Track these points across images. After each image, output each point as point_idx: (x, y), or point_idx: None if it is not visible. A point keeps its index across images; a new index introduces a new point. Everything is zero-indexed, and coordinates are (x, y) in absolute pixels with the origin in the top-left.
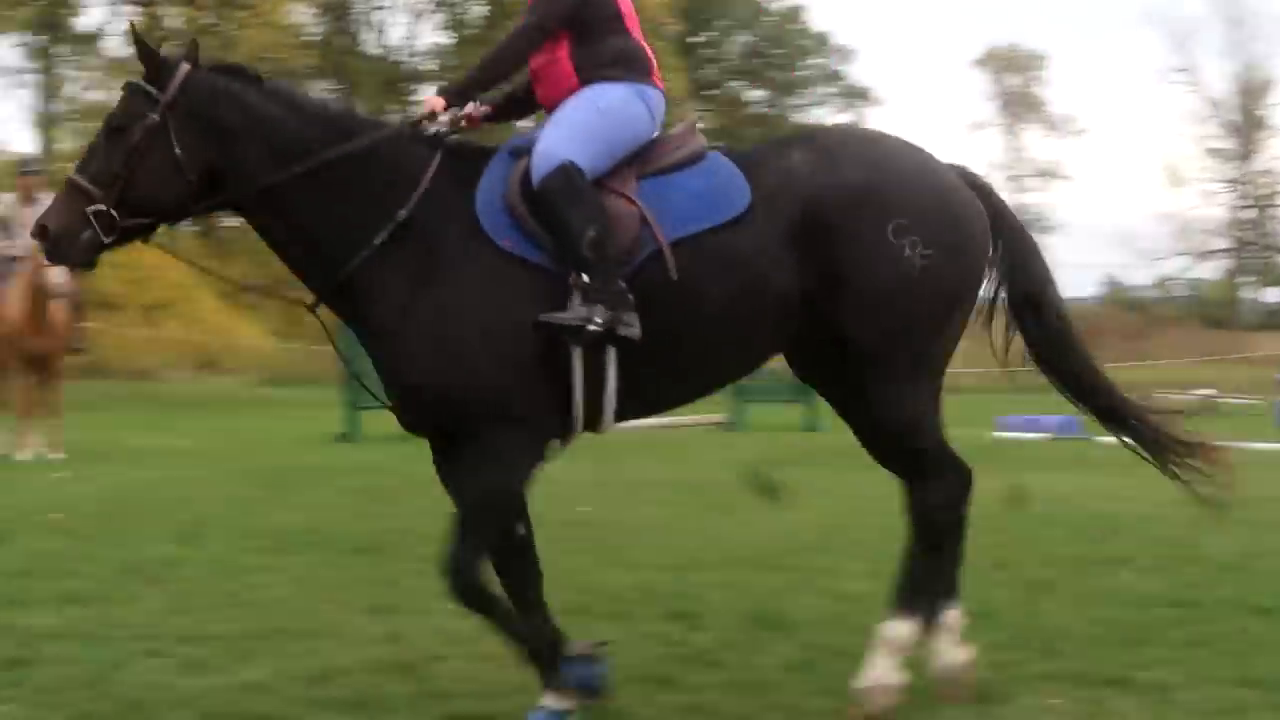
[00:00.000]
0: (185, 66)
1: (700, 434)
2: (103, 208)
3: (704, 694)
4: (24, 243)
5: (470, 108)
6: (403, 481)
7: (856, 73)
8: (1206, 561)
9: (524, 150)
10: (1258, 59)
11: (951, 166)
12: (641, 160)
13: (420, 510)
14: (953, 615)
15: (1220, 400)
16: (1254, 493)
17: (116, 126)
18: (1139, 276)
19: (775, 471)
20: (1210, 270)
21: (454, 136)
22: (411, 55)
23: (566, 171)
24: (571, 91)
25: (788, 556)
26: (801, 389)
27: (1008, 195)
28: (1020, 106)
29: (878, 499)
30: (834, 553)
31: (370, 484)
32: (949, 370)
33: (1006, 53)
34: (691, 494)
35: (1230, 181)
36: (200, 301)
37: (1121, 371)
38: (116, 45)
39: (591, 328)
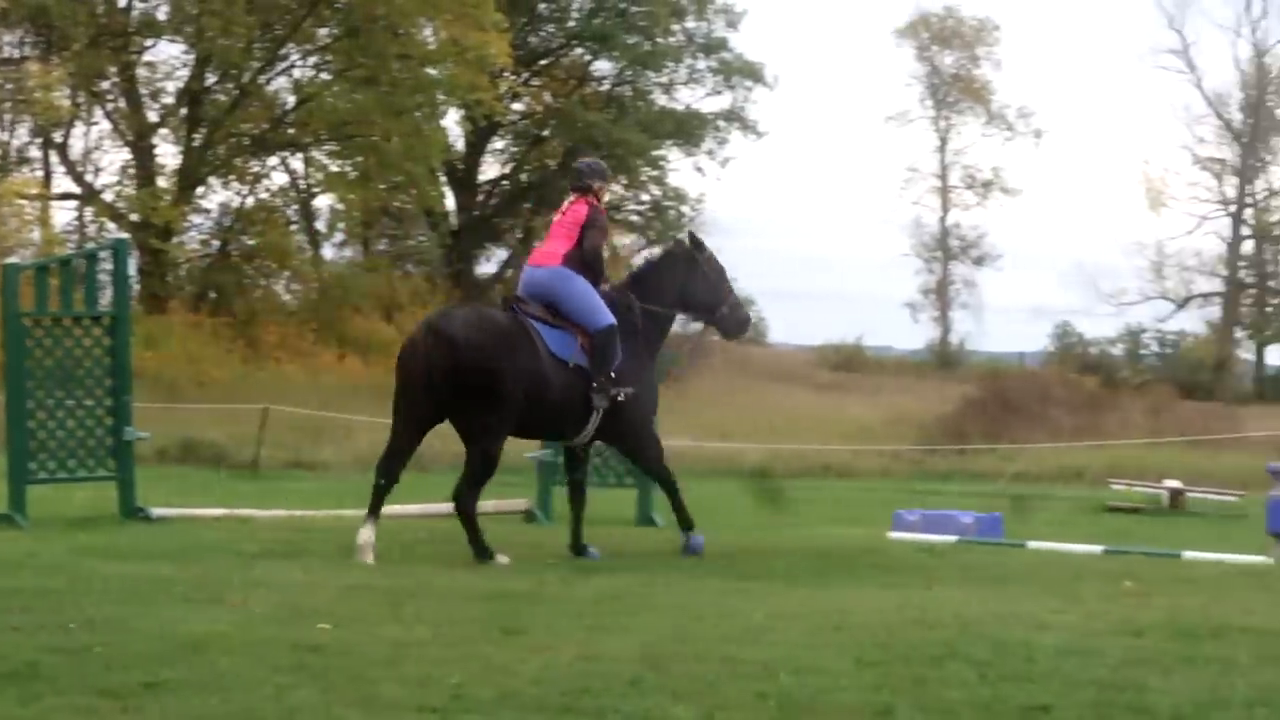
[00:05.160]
0: None
1: (494, 523)
2: None
3: None
4: None
5: None
6: (72, 583)
7: (742, 42)
8: (1150, 713)
9: None
10: (1278, 39)
11: None
12: None
13: (105, 623)
14: None
15: (1191, 494)
16: (1224, 620)
17: None
18: (1101, 327)
19: None
20: (1194, 321)
21: None
22: None
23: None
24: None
25: (587, 697)
26: (633, 469)
27: (935, 211)
28: (957, 94)
29: (719, 616)
30: (654, 693)
31: (35, 586)
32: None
33: (941, 21)
34: (462, 607)
35: (1227, 203)
36: None
37: (1069, 453)
38: None
39: None
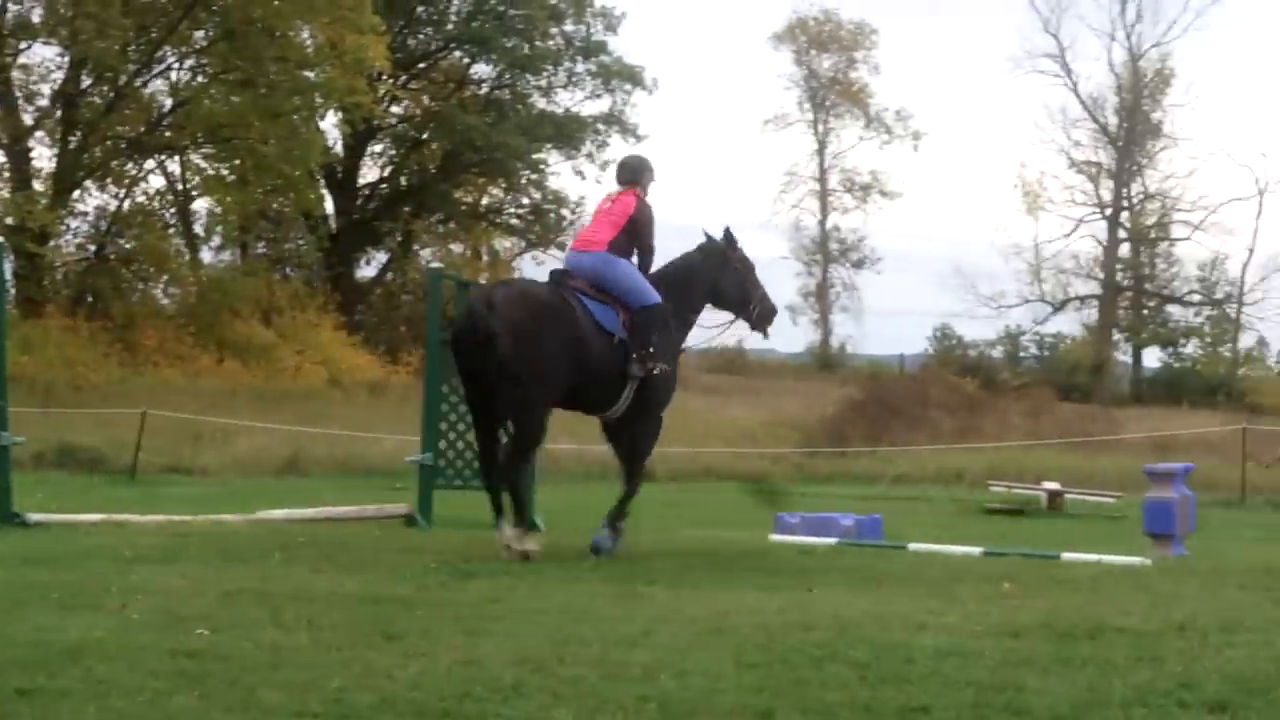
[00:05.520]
0: None
1: (375, 527)
2: None
3: None
4: None
5: None
6: None
7: (622, 45)
8: (1028, 714)
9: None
10: (1153, 43)
11: None
12: None
13: None
14: None
15: (1069, 495)
16: (1101, 621)
17: None
18: (979, 329)
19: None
20: (1072, 323)
21: None
22: None
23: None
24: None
25: (468, 701)
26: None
27: (814, 214)
28: (835, 97)
29: (599, 620)
30: (535, 696)
31: None
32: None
33: (819, 25)
34: (342, 611)
35: (1103, 206)
36: None
37: (949, 455)
38: None
39: None
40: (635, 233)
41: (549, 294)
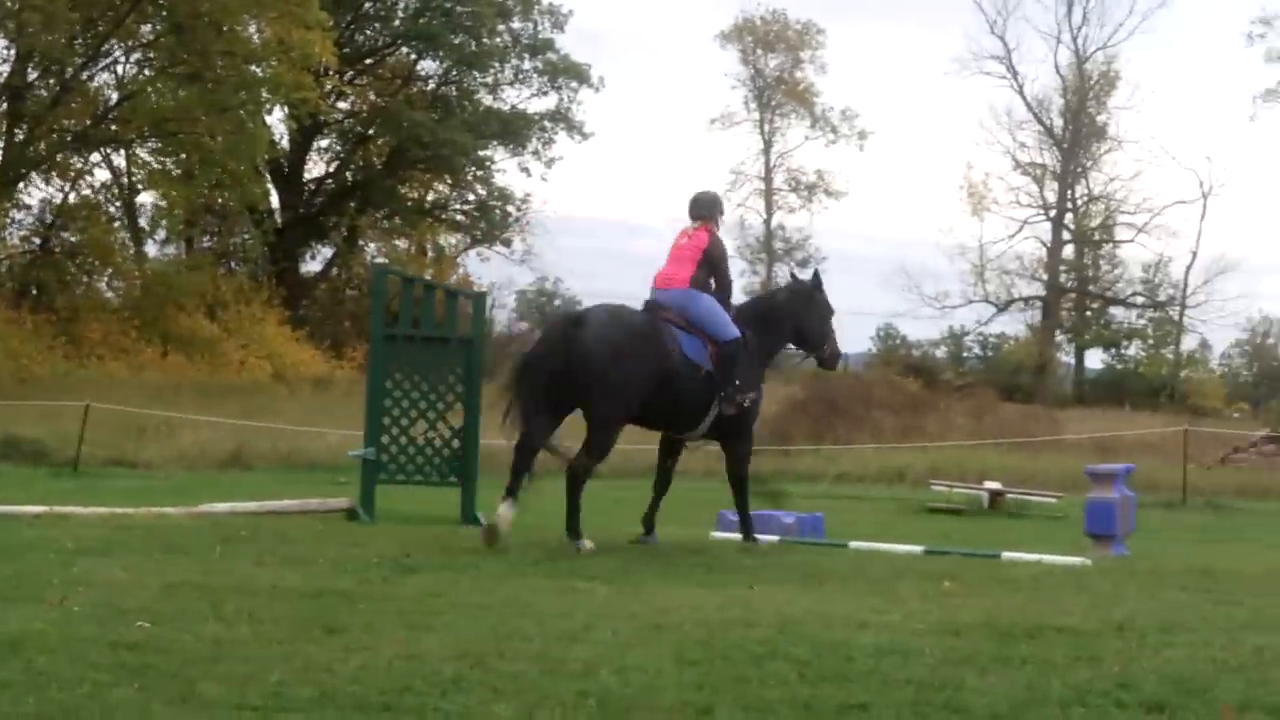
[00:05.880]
0: None
1: (318, 521)
2: None
3: None
4: None
5: None
6: None
7: (568, 43)
8: (966, 712)
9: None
10: (1099, 46)
11: None
12: None
13: None
14: None
15: (1011, 496)
16: (1041, 620)
17: None
18: (923, 329)
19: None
20: (1015, 324)
21: None
22: None
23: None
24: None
25: (408, 695)
26: (457, 467)
27: (760, 214)
28: (781, 97)
29: (541, 615)
30: (475, 690)
31: None
32: None
33: (766, 25)
34: (283, 605)
35: (1048, 208)
36: None
37: (891, 454)
38: None
39: None
40: (712, 266)
41: (642, 319)
